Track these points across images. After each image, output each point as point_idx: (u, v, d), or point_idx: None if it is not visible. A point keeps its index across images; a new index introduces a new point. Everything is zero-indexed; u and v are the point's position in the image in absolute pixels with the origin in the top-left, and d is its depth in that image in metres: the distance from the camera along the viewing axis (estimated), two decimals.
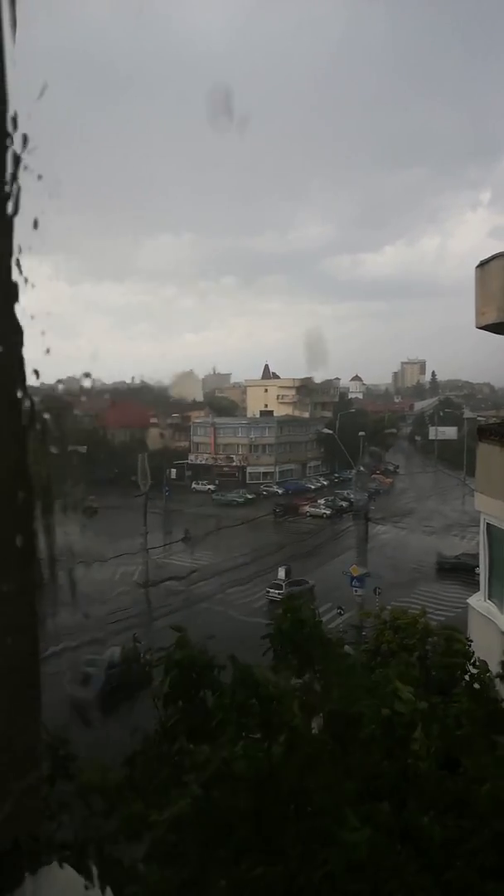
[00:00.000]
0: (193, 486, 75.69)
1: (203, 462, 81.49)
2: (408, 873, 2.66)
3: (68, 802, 3.42)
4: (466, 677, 4.60)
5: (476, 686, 3.83)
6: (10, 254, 0.90)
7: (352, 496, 61.56)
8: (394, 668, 4.41)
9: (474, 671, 4.22)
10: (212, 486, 74.98)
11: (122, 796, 3.58)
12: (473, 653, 4.69)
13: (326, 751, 3.22)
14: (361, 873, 2.55)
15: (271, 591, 36.81)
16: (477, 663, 4.60)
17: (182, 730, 3.59)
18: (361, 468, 62.12)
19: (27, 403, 0.88)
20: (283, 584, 36.89)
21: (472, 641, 5.42)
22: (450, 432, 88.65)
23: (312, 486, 76.51)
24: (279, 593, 34.29)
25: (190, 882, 2.72)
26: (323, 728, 3.66)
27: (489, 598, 10.45)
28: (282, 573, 39.71)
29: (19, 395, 0.89)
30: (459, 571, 38.53)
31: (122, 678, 11.86)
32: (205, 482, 76.34)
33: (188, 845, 2.87)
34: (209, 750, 3.12)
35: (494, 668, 4.58)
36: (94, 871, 1.01)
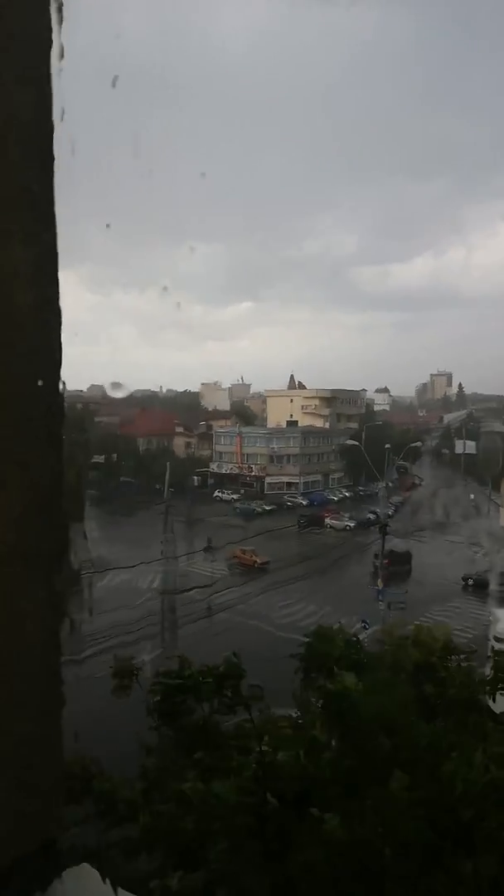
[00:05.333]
0: (216, 494, 75.73)
1: (226, 471, 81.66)
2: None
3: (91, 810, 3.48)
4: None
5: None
6: (55, 261, 0.94)
7: (378, 510, 61.17)
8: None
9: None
10: (235, 496, 74.97)
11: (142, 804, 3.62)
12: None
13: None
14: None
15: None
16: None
17: None
18: (389, 483, 61.84)
19: (62, 410, 0.91)
20: None
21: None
22: (471, 446, 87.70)
23: (335, 498, 76.09)
24: None
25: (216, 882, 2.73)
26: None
27: None
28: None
29: (57, 401, 0.92)
30: (484, 587, 38.38)
31: None
32: (229, 491, 76.39)
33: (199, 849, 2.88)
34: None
35: None
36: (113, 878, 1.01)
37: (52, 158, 0.96)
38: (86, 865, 0.89)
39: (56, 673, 0.88)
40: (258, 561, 48.58)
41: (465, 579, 42.96)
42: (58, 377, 0.92)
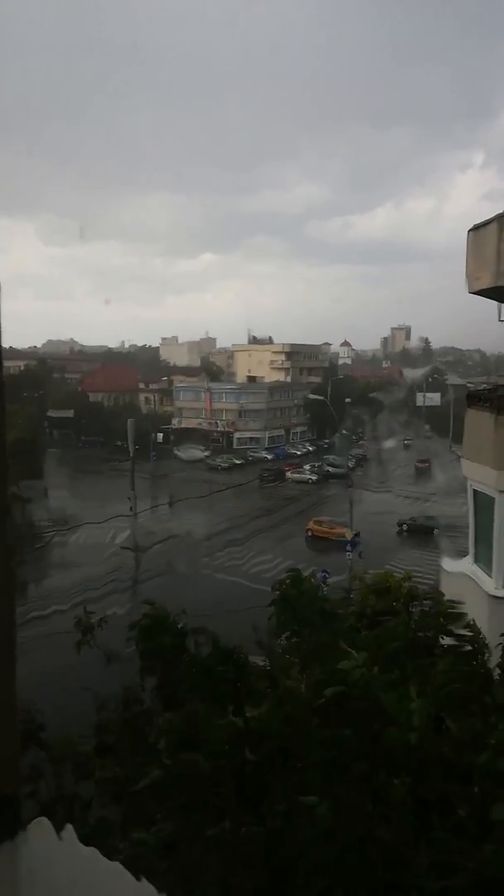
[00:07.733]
0: (176, 451, 74.73)
1: (189, 427, 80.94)
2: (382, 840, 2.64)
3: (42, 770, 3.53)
4: (450, 640, 4.61)
5: (467, 647, 3.86)
6: None
7: (338, 461, 62.11)
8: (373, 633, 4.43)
9: (463, 632, 4.25)
10: (204, 450, 74.34)
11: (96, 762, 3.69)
12: (465, 614, 4.72)
13: (303, 713, 3.21)
14: (332, 842, 2.56)
15: None
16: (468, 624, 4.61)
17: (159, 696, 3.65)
18: (345, 432, 62.59)
19: None
20: None
21: (462, 603, 5.46)
22: (434, 399, 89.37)
23: (299, 452, 76.72)
24: None
25: (171, 842, 2.74)
26: (309, 695, 3.69)
27: (476, 563, 10.63)
28: None
29: None
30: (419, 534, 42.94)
31: None
32: (191, 446, 75.92)
33: (166, 809, 2.90)
34: (180, 715, 3.11)
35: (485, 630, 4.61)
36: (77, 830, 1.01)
37: None
38: (44, 819, 0.88)
39: (9, 627, 0.84)
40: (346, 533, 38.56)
41: (399, 524, 45.31)
42: None
